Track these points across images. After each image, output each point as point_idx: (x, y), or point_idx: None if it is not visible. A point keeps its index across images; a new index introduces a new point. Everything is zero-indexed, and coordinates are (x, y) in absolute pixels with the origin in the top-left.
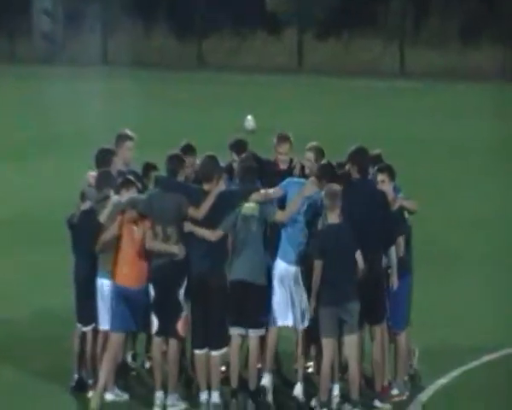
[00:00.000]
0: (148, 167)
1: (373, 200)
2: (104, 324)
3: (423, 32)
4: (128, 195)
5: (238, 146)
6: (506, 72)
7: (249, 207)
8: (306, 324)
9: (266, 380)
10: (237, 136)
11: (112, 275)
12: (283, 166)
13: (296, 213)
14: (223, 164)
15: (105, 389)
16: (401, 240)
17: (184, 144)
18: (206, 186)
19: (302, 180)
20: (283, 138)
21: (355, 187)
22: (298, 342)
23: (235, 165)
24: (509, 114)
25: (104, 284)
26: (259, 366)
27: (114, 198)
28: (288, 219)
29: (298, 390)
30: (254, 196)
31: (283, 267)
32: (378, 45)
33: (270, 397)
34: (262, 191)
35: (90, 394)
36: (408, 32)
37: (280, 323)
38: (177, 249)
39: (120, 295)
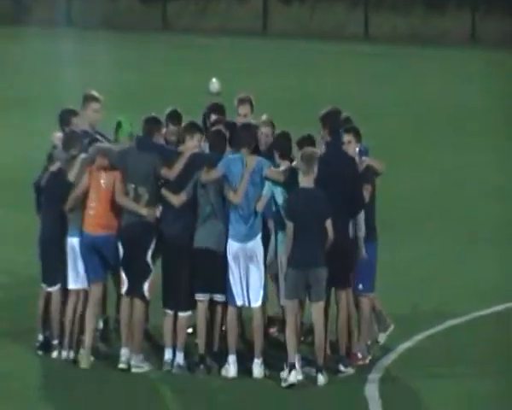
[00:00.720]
0: (120, 124)
1: (343, 164)
2: (73, 283)
3: None
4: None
5: (217, 109)
6: (472, 37)
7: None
8: (261, 301)
9: (231, 360)
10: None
11: (81, 228)
12: None
13: (252, 195)
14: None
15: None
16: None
17: (170, 111)
18: (182, 148)
19: (238, 155)
20: (243, 100)
21: (326, 150)
22: (254, 318)
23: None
24: (474, 79)
25: (74, 243)
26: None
27: (82, 156)
28: (242, 200)
29: (257, 369)
30: (203, 173)
31: (236, 247)
32: (343, 9)
33: (234, 374)
34: (205, 173)
35: (55, 353)
36: None
37: (238, 303)
38: (145, 212)
39: (89, 245)
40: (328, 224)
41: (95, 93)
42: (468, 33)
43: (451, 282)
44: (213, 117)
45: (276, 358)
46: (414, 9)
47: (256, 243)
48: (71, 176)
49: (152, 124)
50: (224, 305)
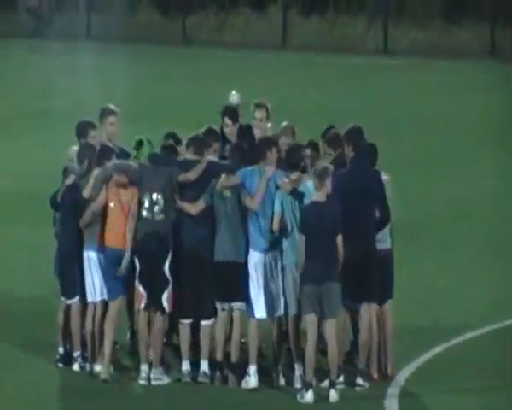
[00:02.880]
0: (141, 143)
1: (369, 179)
2: (93, 296)
3: (407, 9)
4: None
5: (230, 112)
6: (490, 50)
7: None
8: (281, 312)
9: (251, 371)
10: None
11: (101, 243)
12: (257, 133)
13: (269, 205)
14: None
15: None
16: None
17: (207, 128)
18: (195, 158)
19: (255, 167)
20: (260, 105)
21: (351, 166)
22: (274, 330)
23: (227, 130)
24: (493, 91)
25: (91, 257)
26: (243, 340)
27: (96, 171)
28: (259, 209)
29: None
30: (221, 180)
31: (257, 256)
32: (362, 22)
33: (254, 384)
34: (223, 179)
35: (75, 366)
36: (392, 10)
37: (258, 315)
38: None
39: (111, 259)
40: (339, 239)
41: (111, 106)
42: (487, 46)
43: (471, 294)
44: (227, 120)
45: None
46: (433, 23)
47: (275, 254)
48: (85, 192)
49: (170, 141)
50: (243, 314)
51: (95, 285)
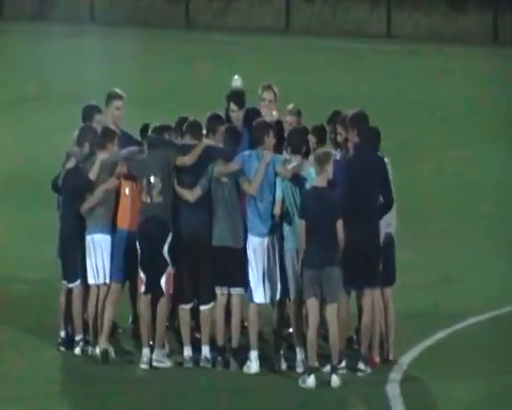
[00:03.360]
0: (146, 128)
1: (373, 164)
2: (96, 279)
3: None
4: (112, 147)
5: (236, 96)
6: (493, 36)
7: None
8: (277, 297)
9: (252, 356)
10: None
11: (114, 225)
12: (265, 114)
13: (267, 189)
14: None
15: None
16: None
17: (211, 114)
18: (193, 142)
19: (254, 151)
20: (268, 87)
21: (355, 151)
22: (273, 314)
23: (233, 115)
24: (496, 78)
25: (95, 240)
26: (246, 323)
27: (102, 155)
28: (257, 193)
29: (280, 362)
30: (218, 166)
31: (256, 241)
32: (365, 7)
33: (256, 369)
34: (220, 166)
35: (77, 350)
36: None
37: (257, 300)
38: (190, 195)
39: (126, 241)
40: (339, 225)
41: (118, 91)
42: (490, 32)
43: (473, 279)
44: (232, 105)
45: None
46: (436, 8)
47: (274, 238)
48: (92, 175)
49: (163, 126)
50: (242, 298)
51: (98, 268)
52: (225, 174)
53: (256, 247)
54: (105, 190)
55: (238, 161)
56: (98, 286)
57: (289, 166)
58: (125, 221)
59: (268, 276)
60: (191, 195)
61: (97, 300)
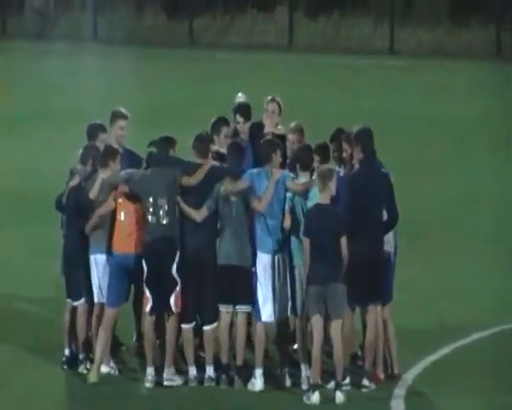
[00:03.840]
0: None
1: (378, 180)
2: (100, 297)
3: (414, 10)
4: (115, 165)
5: (242, 109)
6: (496, 51)
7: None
8: (286, 315)
9: (257, 374)
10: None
11: (109, 248)
12: (268, 125)
13: (277, 206)
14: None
15: (101, 362)
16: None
17: (217, 118)
18: (199, 161)
19: (262, 169)
20: (272, 99)
21: (360, 167)
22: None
23: (239, 127)
24: (499, 93)
25: (98, 260)
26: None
27: (103, 174)
28: (266, 210)
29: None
30: (226, 184)
31: (265, 258)
32: (368, 23)
33: (260, 387)
34: (229, 184)
35: (81, 368)
36: (398, 11)
37: (264, 318)
38: (197, 215)
39: (119, 264)
40: (343, 241)
41: (123, 110)
42: (494, 47)
43: (477, 294)
44: (238, 117)
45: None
46: (439, 24)
47: (283, 256)
48: (91, 194)
49: (166, 142)
50: (248, 316)
51: (101, 287)
52: (234, 193)
53: (265, 264)
54: (102, 213)
55: (247, 179)
56: (103, 304)
57: (300, 182)
58: (118, 245)
59: (278, 293)
60: (198, 215)
61: (101, 318)
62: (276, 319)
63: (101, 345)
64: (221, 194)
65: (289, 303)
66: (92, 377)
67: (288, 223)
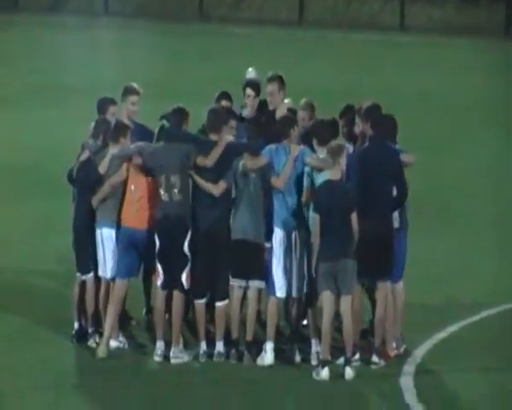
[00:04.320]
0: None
1: (387, 157)
2: (105, 272)
3: None
4: (125, 141)
5: (252, 83)
6: (505, 28)
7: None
8: (302, 292)
9: (268, 348)
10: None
11: (118, 221)
12: (272, 107)
13: (295, 182)
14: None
15: (110, 337)
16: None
17: (220, 93)
18: (213, 137)
19: (280, 145)
20: (271, 79)
21: (370, 143)
22: (292, 307)
23: (249, 100)
24: (507, 70)
25: (104, 233)
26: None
27: (114, 149)
28: (285, 187)
29: (295, 355)
30: (246, 160)
31: (282, 234)
32: (378, 0)
33: (270, 361)
34: (248, 160)
35: (90, 341)
36: None
37: (279, 294)
38: (215, 189)
39: (128, 238)
40: (354, 217)
41: (135, 86)
42: (502, 25)
43: (486, 273)
44: (249, 91)
45: (308, 346)
46: (449, 0)
47: (301, 232)
48: (101, 168)
49: (179, 114)
50: (257, 292)
51: (106, 262)
52: (255, 169)
53: (282, 240)
54: (114, 183)
55: (266, 155)
56: (107, 279)
57: (319, 157)
58: (128, 219)
59: (294, 270)
60: (216, 189)
61: (109, 292)
62: (290, 294)
63: (110, 319)
64: (239, 169)
65: (305, 279)
66: (101, 352)
67: (305, 198)
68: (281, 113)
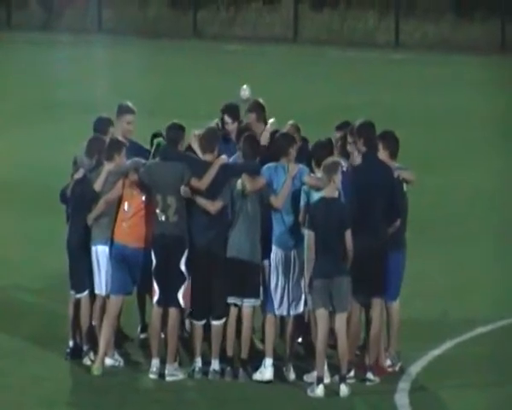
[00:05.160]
0: (156, 136)
1: (381, 173)
2: (100, 289)
3: (418, 3)
4: (120, 158)
5: (230, 109)
6: (501, 45)
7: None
8: (299, 310)
9: (267, 363)
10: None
11: (115, 239)
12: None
13: (293, 201)
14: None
15: (105, 354)
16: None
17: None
18: (207, 157)
19: (279, 164)
20: (249, 110)
21: (363, 160)
22: (288, 325)
23: (227, 127)
24: (503, 87)
25: (99, 251)
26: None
27: (109, 166)
28: (283, 206)
29: (289, 372)
30: (243, 179)
31: (281, 253)
32: (373, 16)
33: (269, 377)
34: (247, 182)
35: (85, 359)
36: (403, 4)
37: (277, 312)
38: (213, 207)
39: (119, 254)
40: (348, 234)
41: (130, 104)
42: (498, 41)
43: (481, 289)
44: (226, 118)
45: (304, 364)
46: (444, 17)
47: (299, 251)
48: (96, 186)
49: (176, 132)
50: (251, 310)
51: (101, 279)
52: (254, 190)
53: (281, 259)
54: (109, 200)
55: (265, 174)
56: (104, 297)
57: (316, 177)
58: (120, 235)
59: (292, 288)
60: (212, 206)
61: (104, 309)
62: (291, 313)
63: (105, 337)
64: (237, 189)
65: (303, 297)
66: (96, 370)
67: (301, 217)
68: (264, 139)
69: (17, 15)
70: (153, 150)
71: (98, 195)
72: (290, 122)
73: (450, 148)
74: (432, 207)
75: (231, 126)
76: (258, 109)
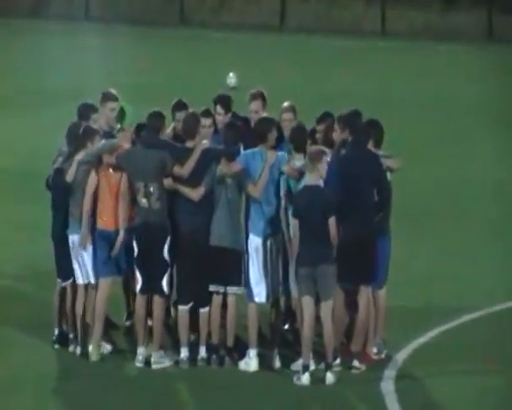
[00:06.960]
0: (140, 127)
1: (367, 162)
2: (80, 278)
3: None
4: (93, 146)
5: (223, 100)
6: (487, 32)
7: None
8: (278, 294)
9: (252, 354)
10: (223, 91)
11: (98, 225)
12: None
13: (271, 190)
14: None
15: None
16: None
17: (176, 101)
18: (189, 143)
19: (257, 150)
20: (255, 96)
21: (350, 149)
22: (272, 313)
23: (220, 118)
24: (490, 75)
25: (75, 240)
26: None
27: (79, 155)
28: (261, 195)
29: (275, 360)
30: (222, 166)
31: (258, 241)
32: (360, 5)
33: (255, 367)
34: (224, 165)
35: (71, 347)
36: None
37: (257, 299)
38: (194, 194)
39: (103, 239)
40: (332, 222)
41: (113, 91)
42: (485, 29)
43: (467, 277)
44: (218, 109)
45: (290, 351)
46: (430, 5)
47: (277, 238)
48: (68, 177)
49: (158, 120)
50: (235, 297)
51: (82, 268)
52: (229, 175)
53: (258, 247)
54: (91, 192)
55: (241, 160)
56: (86, 285)
57: (296, 166)
58: (100, 222)
59: (270, 275)
60: (195, 193)
61: (85, 298)
62: (270, 301)
63: (98, 322)
64: (217, 175)
65: (281, 286)
66: (94, 356)
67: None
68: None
69: (4, 2)
70: (118, 120)
71: (70, 185)
72: (286, 103)
73: (436, 136)
74: (418, 197)
75: (223, 117)
76: (262, 97)
